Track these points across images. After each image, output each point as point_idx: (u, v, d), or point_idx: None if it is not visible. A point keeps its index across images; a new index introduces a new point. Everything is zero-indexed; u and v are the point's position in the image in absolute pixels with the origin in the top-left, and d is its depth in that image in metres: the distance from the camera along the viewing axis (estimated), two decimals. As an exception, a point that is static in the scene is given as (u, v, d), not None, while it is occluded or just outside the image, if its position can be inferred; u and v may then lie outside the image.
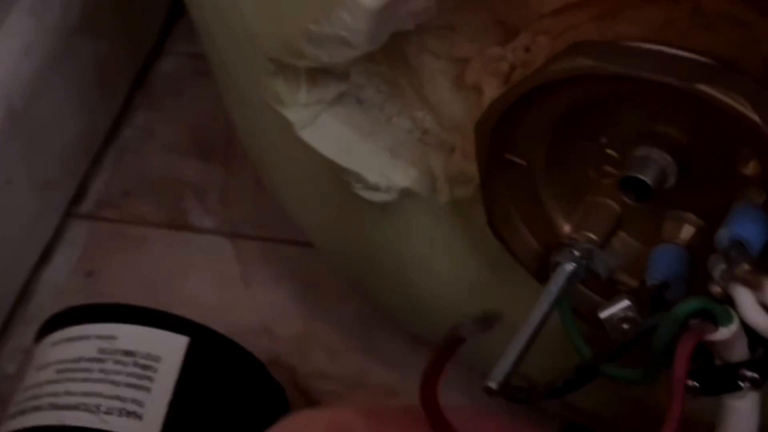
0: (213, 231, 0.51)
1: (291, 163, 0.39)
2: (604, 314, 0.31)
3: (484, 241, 0.35)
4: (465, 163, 0.35)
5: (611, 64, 0.28)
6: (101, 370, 0.37)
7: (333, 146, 0.36)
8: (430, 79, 0.35)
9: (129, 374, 0.37)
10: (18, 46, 0.48)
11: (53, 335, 0.39)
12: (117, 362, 0.37)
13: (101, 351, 0.38)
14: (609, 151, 0.32)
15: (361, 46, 0.32)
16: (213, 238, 0.51)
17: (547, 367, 0.32)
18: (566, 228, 0.33)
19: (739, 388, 0.29)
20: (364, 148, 0.36)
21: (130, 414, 0.36)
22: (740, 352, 0.28)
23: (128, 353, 0.37)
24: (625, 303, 0.31)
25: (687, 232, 0.32)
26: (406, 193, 0.36)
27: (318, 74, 0.35)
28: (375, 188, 0.36)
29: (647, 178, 0.30)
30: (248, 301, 0.49)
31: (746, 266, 0.27)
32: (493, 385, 0.29)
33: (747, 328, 0.28)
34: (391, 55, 0.35)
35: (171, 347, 0.38)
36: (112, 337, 0.38)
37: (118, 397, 0.36)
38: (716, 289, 0.28)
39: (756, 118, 0.26)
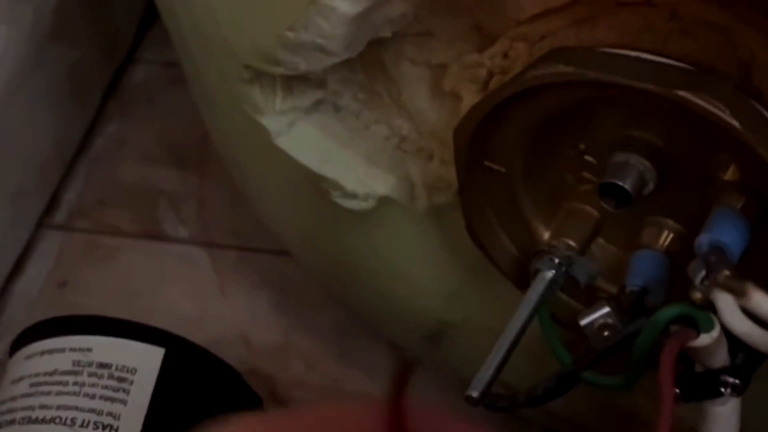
0: (188, 241, 0.51)
1: (267, 171, 0.39)
2: (584, 321, 0.31)
3: (462, 247, 0.35)
4: (443, 169, 0.35)
5: (590, 70, 0.27)
6: (76, 383, 0.37)
7: (310, 154, 0.36)
8: (407, 85, 0.35)
9: (104, 387, 0.37)
10: (-12, 55, 0.47)
11: (27, 348, 0.39)
12: (92, 375, 0.37)
13: (76, 363, 0.37)
14: (587, 157, 0.31)
15: (338, 53, 0.32)
16: (188, 248, 0.51)
17: (529, 374, 0.32)
18: (545, 234, 0.33)
19: (721, 395, 0.29)
20: (342, 155, 0.36)
21: (105, 427, 0.36)
22: (721, 358, 0.28)
23: (103, 365, 0.37)
24: (605, 309, 0.31)
25: (666, 237, 0.31)
26: (384, 201, 0.36)
27: (294, 81, 0.35)
28: (353, 196, 0.36)
29: (626, 184, 0.30)
30: (225, 311, 0.48)
31: (726, 272, 0.27)
32: (474, 393, 0.29)
33: (728, 334, 0.28)
34: (368, 62, 0.35)
35: (147, 359, 0.37)
36: (86, 350, 0.37)
37: (93, 410, 0.36)
38: (697, 295, 0.28)
39: (735, 123, 0.26)
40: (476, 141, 0.31)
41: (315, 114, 0.36)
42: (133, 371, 0.37)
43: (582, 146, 0.31)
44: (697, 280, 0.27)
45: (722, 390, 0.28)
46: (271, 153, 0.36)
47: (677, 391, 0.29)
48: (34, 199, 0.51)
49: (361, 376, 0.46)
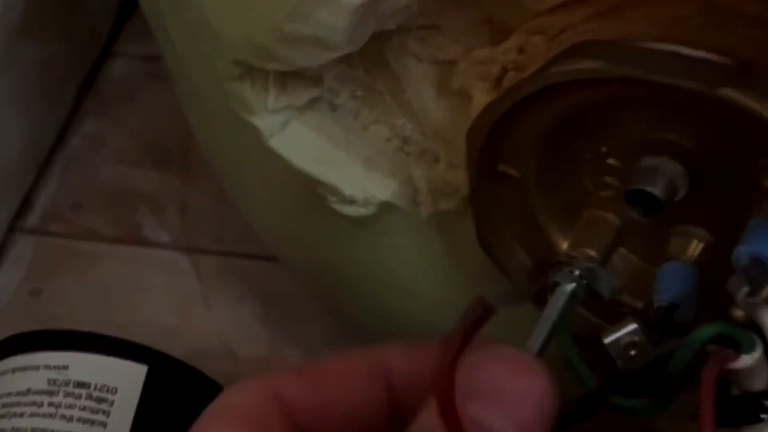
0: (170, 246, 0.49)
1: (257, 173, 0.36)
2: (608, 339, 0.28)
3: (468, 257, 0.33)
4: (449, 173, 0.32)
5: (621, 66, 0.25)
6: (52, 404, 0.34)
7: (305, 156, 0.34)
8: (411, 83, 0.33)
9: (82, 408, 0.34)
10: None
11: (-2, 365, 0.36)
12: (69, 395, 0.34)
13: (51, 382, 0.35)
14: (610, 160, 0.29)
15: (340, 48, 0.29)
16: (170, 254, 0.49)
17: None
18: (564, 244, 0.31)
19: (760, 420, 0.26)
20: (339, 158, 0.34)
21: (83, 453, 0.33)
22: (762, 380, 0.26)
23: (81, 384, 0.35)
24: (632, 326, 0.28)
25: (696, 247, 0.29)
26: (384, 207, 0.34)
27: (288, 78, 0.32)
28: (351, 201, 0.33)
29: (656, 190, 0.27)
30: (208, 321, 0.46)
31: (771, 288, 0.25)
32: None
33: (769, 355, 0.26)
34: (368, 57, 0.32)
35: (128, 377, 0.35)
36: (63, 367, 0.35)
37: (70, 434, 0.34)
38: (738, 313, 0.25)
39: (785, 125, 0.24)
40: (490, 143, 0.29)
41: (310, 113, 0.33)
42: (114, 391, 0.35)
43: (604, 149, 0.29)
44: (740, 297, 0.25)
45: (763, 416, 0.26)
46: (262, 155, 0.34)
47: (713, 416, 0.26)
48: (5, 201, 0.49)
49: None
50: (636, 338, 0.28)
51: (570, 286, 0.29)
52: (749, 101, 0.24)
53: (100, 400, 0.34)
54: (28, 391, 0.35)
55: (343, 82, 0.33)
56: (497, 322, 0.33)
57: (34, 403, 0.34)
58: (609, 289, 0.29)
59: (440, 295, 0.36)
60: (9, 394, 0.35)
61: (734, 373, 0.26)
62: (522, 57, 0.29)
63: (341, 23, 0.28)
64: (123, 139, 0.53)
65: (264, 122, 0.33)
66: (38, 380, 0.35)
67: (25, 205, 0.50)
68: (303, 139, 0.34)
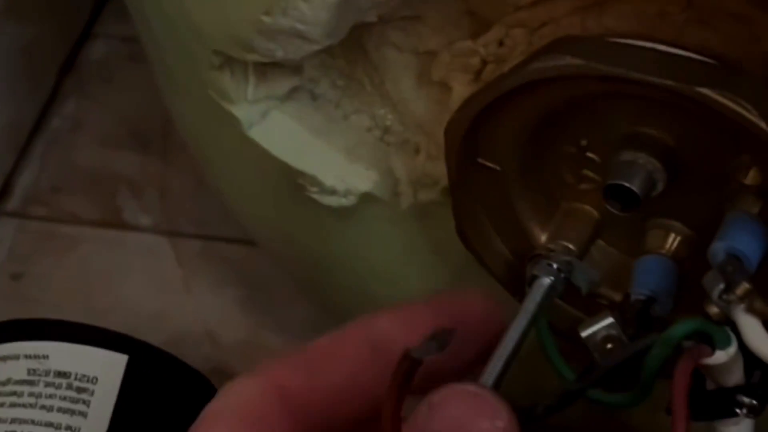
0: (150, 229, 0.49)
1: (237, 162, 0.36)
2: (585, 332, 0.28)
3: (449, 248, 0.33)
4: (430, 164, 0.32)
5: (602, 63, 0.25)
6: (32, 394, 0.34)
7: (285, 146, 0.33)
8: (391, 73, 0.32)
9: (63, 398, 0.34)
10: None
11: (-23, 354, 0.36)
12: (49, 384, 0.34)
13: (31, 372, 0.35)
14: (590, 154, 0.29)
15: (319, 41, 0.29)
16: (151, 237, 0.48)
17: (523, 386, 0.30)
18: (542, 237, 0.31)
19: (735, 415, 0.26)
20: (319, 148, 0.33)
21: (64, 442, 0.33)
22: (736, 376, 0.26)
23: (62, 374, 0.34)
24: (608, 320, 0.28)
25: (673, 241, 0.29)
26: (365, 198, 0.33)
27: (268, 68, 0.32)
28: (331, 192, 0.33)
29: (634, 185, 0.27)
30: (189, 306, 0.46)
31: (746, 285, 0.25)
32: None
33: (744, 351, 0.26)
34: (349, 48, 0.32)
35: (108, 367, 0.35)
36: (43, 357, 0.35)
37: (51, 424, 0.33)
38: (714, 310, 0.26)
39: (763, 125, 0.24)
40: (469, 136, 0.29)
41: (290, 103, 0.33)
42: (94, 380, 0.34)
43: (584, 142, 0.29)
44: (715, 294, 0.25)
45: (737, 410, 0.26)
46: (241, 144, 0.34)
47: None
48: (-15, 185, 0.49)
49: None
50: (612, 332, 0.28)
51: (548, 279, 0.29)
52: (726, 101, 0.24)
53: (80, 390, 0.34)
54: (8, 381, 0.35)
55: (323, 71, 0.33)
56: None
57: (14, 393, 0.34)
58: (587, 282, 0.29)
59: (421, 284, 0.36)
60: (-12, 384, 0.35)
61: (709, 369, 0.26)
62: (502, 50, 0.29)
63: (321, 17, 0.28)
64: (103, 121, 0.52)
65: (243, 112, 0.33)
66: (18, 370, 0.35)
67: (5, 189, 0.50)
68: (283, 129, 0.33)
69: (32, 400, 0.34)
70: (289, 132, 0.33)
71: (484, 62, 0.30)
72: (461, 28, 0.30)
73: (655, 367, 0.26)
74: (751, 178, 0.26)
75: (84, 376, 0.34)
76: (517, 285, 0.30)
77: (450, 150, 0.29)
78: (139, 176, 0.50)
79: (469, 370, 0.26)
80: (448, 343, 0.24)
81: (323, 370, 0.24)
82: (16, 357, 0.35)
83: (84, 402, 0.34)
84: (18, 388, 0.34)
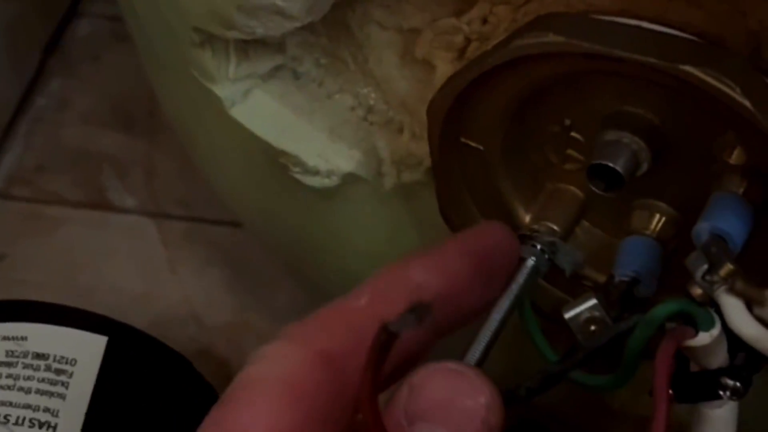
0: (135, 210, 0.48)
1: (220, 141, 0.36)
2: (568, 314, 0.28)
3: (433, 228, 0.32)
4: (413, 144, 0.32)
5: (584, 41, 0.25)
6: (10, 376, 0.34)
7: (267, 125, 0.33)
8: (375, 52, 0.32)
9: (41, 380, 0.34)
10: None
11: (-45, 335, 0.36)
12: (27, 366, 0.34)
13: (10, 354, 0.34)
14: (574, 134, 0.29)
15: (300, 17, 0.29)
16: (135, 218, 0.48)
17: (506, 368, 0.29)
18: (526, 218, 0.30)
19: (719, 397, 0.26)
20: (302, 127, 0.33)
21: (42, 425, 0.33)
22: (720, 358, 0.26)
23: (40, 356, 0.34)
24: (592, 302, 0.28)
25: (658, 222, 0.29)
26: (348, 178, 0.33)
27: (250, 46, 0.32)
28: (314, 172, 0.33)
29: (618, 165, 0.27)
30: (174, 288, 0.46)
31: (730, 266, 0.25)
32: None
33: (728, 333, 0.25)
34: (331, 26, 0.32)
35: (87, 348, 0.34)
36: (21, 338, 0.34)
37: (29, 406, 0.33)
38: (697, 291, 0.25)
39: (747, 103, 0.23)
40: (452, 116, 0.28)
41: (273, 81, 0.33)
42: (73, 362, 0.34)
43: (568, 122, 0.29)
44: (698, 275, 0.25)
45: (721, 393, 0.26)
46: (224, 124, 0.33)
47: (670, 392, 0.26)
48: (-33, 165, 0.48)
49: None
50: (596, 313, 0.28)
51: (531, 260, 0.28)
52: (710, 79, 0.24)
53: (59, 372, 0.34)
54: (-14, 362, 0.34)
55: (306, 49, 0.33)
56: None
57: (-8, 375, 0.34)
58: (571, 264, 0.29)
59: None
60: (-33, 365, 0.35)
61: (692, 351, 0.26)
62: (486, 27, 0.29)
63: (301, -7, 0.28)
64: (88, 101, 0.52)
65: (225, 91, 0.32)
66: (-4, 351, 0.35)
67: (-11, 169, 0.50)
68: (265, 109, 0.33)
69: (10, 381, 0.34)
70: (271, 111, 0.33)
71: (468, 40, 0.30)
72: (445, 6, 0.30)
73: (637, 349, 0.26)
74: (735, 157, 0.26)
75: (63, 357, 0.34)
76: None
77: (433, 129, 0.29)
78: (124, 156, 0.50)
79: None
80: (425, 316, 0.23)
81: (367, 333, 0.22)
82: (-6, 339, 0.35)
83: (63, 384, 0.34)
84: (-4, 370, 0.34)
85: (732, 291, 0.24)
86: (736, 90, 0.23)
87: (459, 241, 0.26)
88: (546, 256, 0.29)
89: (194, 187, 0.48)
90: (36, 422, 0.33)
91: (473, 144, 0.29)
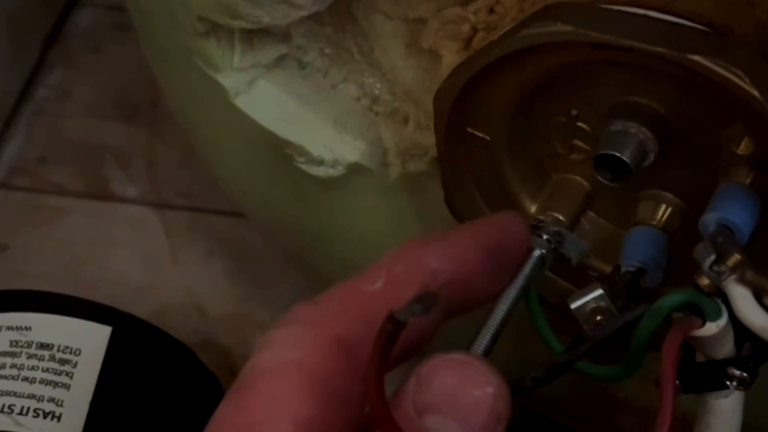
0: (138, 201, 0.48)
1: (224, 132, 0.36)
2: (575, 304, 0.28)
3: (438, 219, 0.32)
4: (419, 134, 0.32)
5: (592, 30, 0.25)
6: (14, 366, 0.33)
7: (272, 115, 0.33)
8: (380, 41, 0.32)
9: (45, 370, 0.33)
10: None
11: (-41, 325, 0.36)
12: (31, 356, 0.34)
13: (14, 343, 0.34)
14: (580, 123, 0.29)
15: (306, 6, 0.29)
16: (138, 209, 0.48)
17: (512, 359, 0.29)
18: (532, 208, 0.30)
19: (725, 387, 0.26)
20: (307, 117, 0.33)
21: (47, 414, 0.33)
22: (727, 348, 0.26)
23: (44, 346, 0.34)
24: (598, 292, 0.28)
25: (664, 212, 0.29)
26: (353, 168, 0.33)
27: (255, 35, 0.32)
28: (319, 162, 0.33)
29: (625, 155, 0.27)
30: (177, 278, 0.45)
31: (738, 256, 0.25)
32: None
33: (735, 323, 0.25)
34: (337, 15, 0.32)
35: (92, 338, 0.34)
36: (25, 328, 0.34)
37: (33, 396, 0.33)
38: (704, 281, 0.25)
39: (755, 93, 0.23)
40: (458, 106, 0.28)
41: (277, 71, 0.33)
42: (77, 352, 0.34)
43: (574, 112, 0.29)
44: (706, 265, 0.25)
45: (727, 383, 0.26)
46: (228, 113, 0.33)
47: (677, 382, 0.26)
48: (-31, 156, 0.48)
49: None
50: (602, 304, 0.28)
51: (538, 251, 0.28)
52: (719, 68, 0.24)
53: (63, 362, 0.34)
54: (-10, 353, 0.34)
55: (311, 39, 0.33)
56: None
57: (-5, 365, 0.34)
58: (576, 253, 0.29)
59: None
60: (-30, 355, 0.35)
61: (699, 341, 0.26)
62: (492, 17, 0.29)
63: (307, -18, 0.28)
64: (90, 91, 0.52)
65: (230, 80, 0.32)
66: (0, 342, 0.34)
67: (-10, 159, 0.49)
68: (270, 98, 0.33)
69: (14, 371, 0.33)
70: (276, 101, 0.33)
71: (475, 30, 0.29)
72: (451, -5, 0.30)
73: (644, 339, 0.26)
74: (743, 147, 0.26)
75: (67, 347, 0.34)
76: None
77: (439, 119, 0.29)
78: (126, 147, 0.50)
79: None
80: (432, 305, 0.23)
81: (381, 317, 0.22)
82: (-2, 329, 0.35)
83: (67, 374, 0.33)
84: (0, 360, 0.34)
85: (742, 281, 0.24)
86: (744, 80, 0.23)
87: (475, 229, 0.26)
88: (552, 246, 0.29)
89: (197, 177, 0.48)
90: (40, 412, 0.33)
91: (479, 134, 0.29)
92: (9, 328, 0.34)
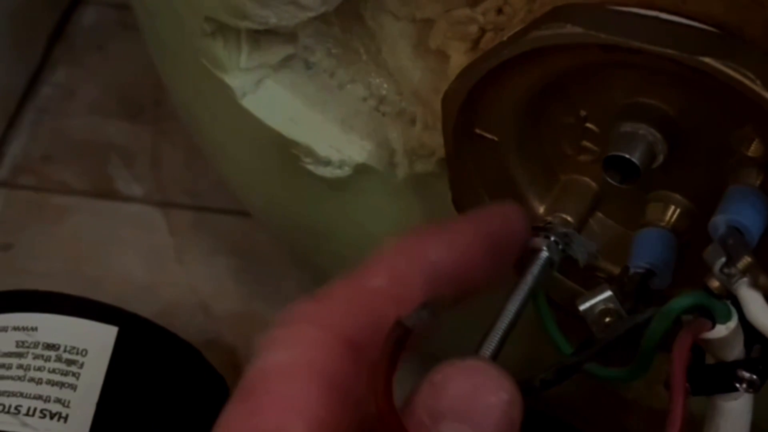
0: (142, 199, 0.48)
1: (230, 132, 0.36)
2: (583, 306, 0.28)
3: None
4: (426, 134, 0.32)
5: (602, 31, 0.24)
6: (20, 366, 0.33)
7: (278, 116, 0.33)
8: (388, 41, 0.32)
9: (52, 370, 0.33)
10: None
11: (-35, 326, 0.36)
12: (38, 357, 0.34)
13: (20, 344, 0.34)
14: (589, 125, 0.29)
15: (314, 7, 0.28)
16: (142, 208, 0.48)
17: (520, 360, 0.29)
18: (540, 209, 0.30)
19: (735, 390, 0.26)
20: (314, 118, 0.33)
21: (54, 415, 0.33)
22: (736, 350, 0.26)
23: (51, 346, 0.34)
24: (607, 294, 0.28)
25: (673, 213, 0.29)
26: (360, 168, 0.33)
27: (262, 35, 0.32)
28: (326, 163, 0.33)
29: (634, 157, 0.27)
30: (182, 277, 0.45)
31: (748, 258, 0.25)
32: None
33: (745, 325, 0.25)
34: (344, 15, 0.31)
35: (98, 339, 0.34)
36: (31, 329, 0.34)
37: (39, 397, 0.33)
38: (715, 284, 0.25)
39: (766, 95, 0.23)
40: (467, 107, 0.28)
41: (284, 71, 0.33)
42: (84, 353, 0.34)
43: (583, 113, 0.29)
44: (717, 268, 0.25)
45: (737, 385, 0.26)
46: (235, 113, 0.33)
47: (686, 384, 0.26)
48: (-27, 154, 0.48)
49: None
50: (611, 305, 0.28)
51: (545, 253, 0.28)
52: (730, 71, 0.23)
53: (69, 362, 0.34)
54: (-4, 353, 0.34)
55: (318, 39, 0.32)
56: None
57: (2, 366, 0.34)
58: (584, 255, 0.29)
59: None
60: (-24, 356, 0.34)
61: (709, 343, 0.26)
62: (501, 18, 0.29)
63: (315, -17, 0.28)
64: (94, 90, 0.52)
65: (236, 81, 0.32)
66: (6, 342, 0.34)
67: (-5, 158, 0.49)
68: (277, 99, 0.33)
69: (21, 372, 0.33)
70: (282, 101, 0.33)
71: (483, 30, 0.29)
72: (459, -5, 0.30)
73: (654, 341, 0.25)
74: (753, 149, 0.26)
75: (73, 348, 0.34)
76: (516, 258, 0.30)
77: (447, 120, 0.29)
78: (130, 145, 0.50)
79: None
80: (439, 311, 0.23)
81: (387, 318, 0.22)
82: (4, 329, 0.35)
83: (73, 374, 0.33)
84: (6, 361, 0.34)
85: (753, 284, 0.24)
86: (756, 82, 0.23)
87: (475, 221, 0.26)
88: (560, 247, 0.28)
89: (202, 175, 0.48)
90: (47, 413, 0.33)
91: (488, 135, 0.29)
92: (15, 329, 0.34)
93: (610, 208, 0.30)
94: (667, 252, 0.28)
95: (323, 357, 0.22)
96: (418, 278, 0.24)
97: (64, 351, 0.34)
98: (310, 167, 0.33)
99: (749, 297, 0.24)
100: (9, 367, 0.34)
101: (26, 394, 0.33)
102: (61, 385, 0.33)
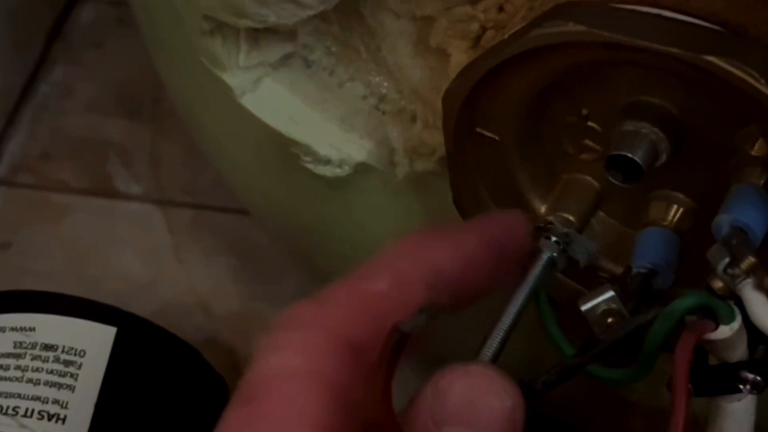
0: (141, 198, 0.48)
1: (230, 131, 0.35)
2: (585, 306, 0.28)
3: (445, 219, 0.32)
4: (426, 133, 0.32)
5: (605, 30, 0.24)
6: (18, 367, 0.33)
7: (278, 114, 0.33)
8: (388, 39, 0.32)
9: (50, 371, 0.33)
10: None
11: (-38, 326, 0.35)
12: (36, 357, 0.33)
13: (18, 345, 0.34)
14: (591, 124, 0.28)
15: (313, 5, 0.28)
16: (141, 206, 0.48)
17: (522, 359, 0.29)
18: (541, 209, 0.30)
19: (738, 391, 0.26)
20: (313, 116, 0.33)
21: (52, 417, 0.33)
22: (740, 351, 0.26)
23: (48, 347, 0.34)
24: (609, 294, 0.28)
25: (675, 213, 0.29)
26: (360, 167, 0.33)
27: (261, 34, 0.31)
28: (326, 162, 0.32)
29: (637, 156, 0.27)
30: (181, 276, 0.45)
31: (752, 259, 0.24)
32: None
33: (749, 326, 0.25)
34: (344, 13, 0.31)
35: (96, 339, 0.34)
36: (29, 329, 0.34)
37: (38, 398, 0.33)
38: (718, 284, 0.25)
39: (771, 94, 0.23)
40: (467, 106, 0.28)
41: (283, 70, 0.32)
42: (82, 353, 0.34)
43: (585, 111, 0.28)
44: (720, 268, 0.25)
45: (740, 386, 0.26)
46: (234, 112, 0.33)
47: (689, 385, 0.26)
48: (-28, 152, 0.48)
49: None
50: (613, 306, 0.28)
51: (547, 254, 0.28)
52: (734, 69, 0.23)
53: (67, 363, 0.33)
54: (-6, 354, 0.34)
55: (317, 37, 0.32)
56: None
57: (0, 367, 0.34)
58: (584, 255, 0.29)
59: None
60: (-26, 357, 0.34)
61: (712, 344, 0.25)
62: (502, 16, 0.29)
63: (314, -19, 0.27)
64: (93, 88, 0.52)
65: (235, 79, 0.32)
66: (4, 343, 0.34)
67: (-8, 156, 0.49)
68: (276, 97, 0.33)
69: (18, 373, 0.33)
70: (282, 100, 0.33)
71: (484, 28, 0.29)
72: (460, -7, 0.29)
73: (657, 342, 0.25)
74: (757, 148, 0.26)
75: (71, 348, 0.34)
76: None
77: (448, 119, 0.28)
78: (129, 144, 0.50)
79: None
80: (437, 317, 0.23)
81: (389, 322, 0.22)
82: (2, 330, 0.35)
83: (71, 375, 0.33)
84: (4, 362, 0.34)
85: (757, 285, 0.24)
86: (760, 81, 0.23)
87: (478, 228, 0.26)
88: (562, 248, 0.28)
89: (200, 174, 0.48)
90: (45, 414, 0.33)
91: (489, 134, 0.29)
92: (13, 329, 0.34)
93: (612, 208, 0.30)
94: (669, 252, 0.28)
95: (325, 361, 0.22)
96: (420, 282, 0.24)
97: (63, 352, 0.34)
98: (310, 166, 0.33)
99: (753, 298, 0.24)
100: (7, 368, 0.33)
101: (24, 395, 0.33)
102: (60, 386, 0.33)
